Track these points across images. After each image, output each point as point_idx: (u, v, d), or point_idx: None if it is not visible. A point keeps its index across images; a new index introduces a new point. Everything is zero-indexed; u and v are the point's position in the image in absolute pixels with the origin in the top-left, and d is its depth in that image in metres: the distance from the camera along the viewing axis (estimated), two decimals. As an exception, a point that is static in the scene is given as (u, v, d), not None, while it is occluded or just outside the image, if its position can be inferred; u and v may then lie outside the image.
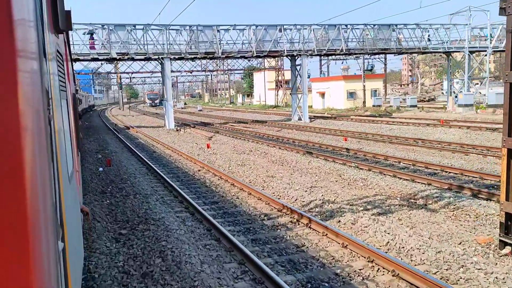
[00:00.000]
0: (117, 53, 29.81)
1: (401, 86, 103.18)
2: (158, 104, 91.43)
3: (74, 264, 2.48)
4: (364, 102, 48.25)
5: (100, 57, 30.56)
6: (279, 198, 10.05)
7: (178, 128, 31.99)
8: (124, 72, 50.20)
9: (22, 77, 0.92)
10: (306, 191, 10.54)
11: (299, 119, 35.78)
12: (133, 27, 30.43)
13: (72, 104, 4.77)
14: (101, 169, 15.81)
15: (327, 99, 52.97)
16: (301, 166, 14.39)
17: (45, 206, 1.13)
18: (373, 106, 47.55)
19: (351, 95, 50.54)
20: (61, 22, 2.40)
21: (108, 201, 10.82)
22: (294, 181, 11.83)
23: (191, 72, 58.96)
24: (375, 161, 15.08)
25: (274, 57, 37.02)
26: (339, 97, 50.80)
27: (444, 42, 37.14)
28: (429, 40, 35.66)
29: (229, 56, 33.94)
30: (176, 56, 32.39)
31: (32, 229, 0.92)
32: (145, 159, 16.92)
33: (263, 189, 11.15)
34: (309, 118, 35.57)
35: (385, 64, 68.44)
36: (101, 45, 29.75)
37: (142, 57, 31.71)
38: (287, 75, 72.29)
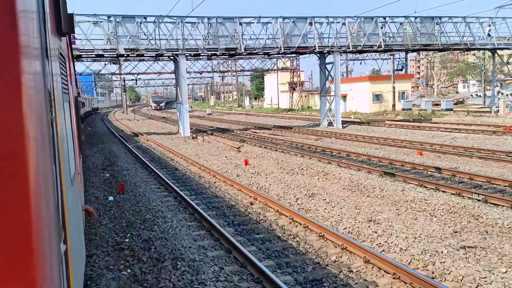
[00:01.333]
0: (125, 49, 25.56)
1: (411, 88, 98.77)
2: (163, 107, 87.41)
3: (76, 266, 2.39)
4: (394, 105, 43.94)
5: (105, 54, 26.32)
6: (433, 278, 5.75)
7: (194, 135, 27.71)
8: (128, 73, 45.81)
9: (25, 79, 0.90)
10: (465, 258, 6.26)
11: (330, 124, 31.53)
12: (144, 19, 26.18)
13: (74, 106, 4.28)
14: (111, 198, 11.53)
15: (349, 101, 48.68)
16: (395, 197, 10.12)
17: (48, 208, 1.12)
18: (403, 109, 43.24)
19: (377, 97, 46.21)
20: (63, 25, 2.37)
21: (129, 270, 6.56)
22: (417, 231, 7.56)
23: (201, 73, 54.51)
24: (496, 189, 10.79)
25: (302, 53, 32.79)
26: (364, 99, 46.47)
27: (490, 38, 32.82)
28: (489, 35, 31.30)
29: (253, 52, 29.65)
30: (192, 53, 28.15)
31: (35, 231, 0.90)
32: (169, 182, 12.65)
33: (383, 251, 6.83)
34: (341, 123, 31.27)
35: (406, 65, 63.72)
36: (107, 40, 25.51)
37: (154, 53, 27.48)
38: (303, 77, 68.37)
